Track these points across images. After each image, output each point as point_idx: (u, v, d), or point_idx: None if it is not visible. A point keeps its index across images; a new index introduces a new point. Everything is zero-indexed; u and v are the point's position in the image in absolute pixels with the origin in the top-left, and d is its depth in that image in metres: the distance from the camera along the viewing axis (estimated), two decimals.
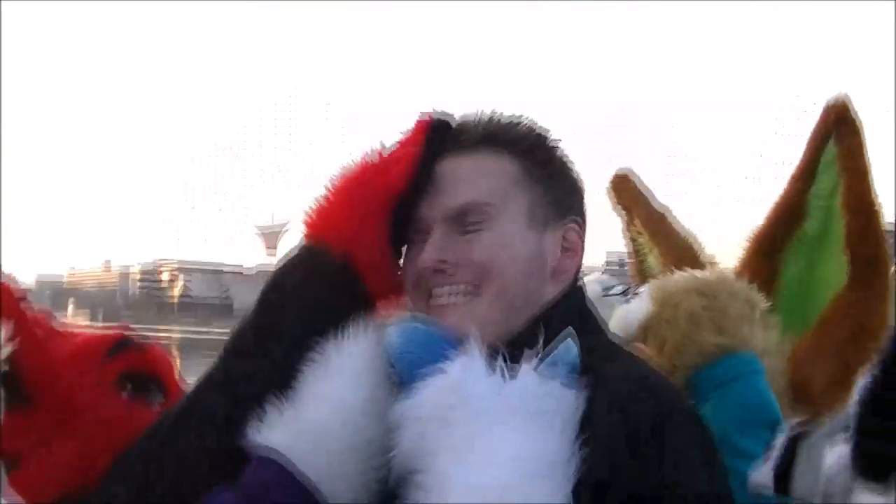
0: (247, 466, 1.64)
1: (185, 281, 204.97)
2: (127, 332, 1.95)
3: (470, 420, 1.48)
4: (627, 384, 1.61)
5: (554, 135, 1.89)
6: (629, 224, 2.17)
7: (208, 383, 1.79)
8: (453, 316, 1.71)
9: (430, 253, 1.75)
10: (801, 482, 1.49)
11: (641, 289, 2.14)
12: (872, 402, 1.03)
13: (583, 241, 1.86)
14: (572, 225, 1.84)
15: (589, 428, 1.52)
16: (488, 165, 1.80)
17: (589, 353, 1.63)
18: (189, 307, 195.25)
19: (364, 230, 1.79)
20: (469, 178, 1.79)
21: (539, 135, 1.87)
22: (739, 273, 2.09)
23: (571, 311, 1.79)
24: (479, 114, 1.86)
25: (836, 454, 1.33)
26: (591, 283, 2.70)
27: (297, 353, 1.72)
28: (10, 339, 1.35)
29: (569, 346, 1.58)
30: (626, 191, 2.08)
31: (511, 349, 1.60)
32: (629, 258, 2.18)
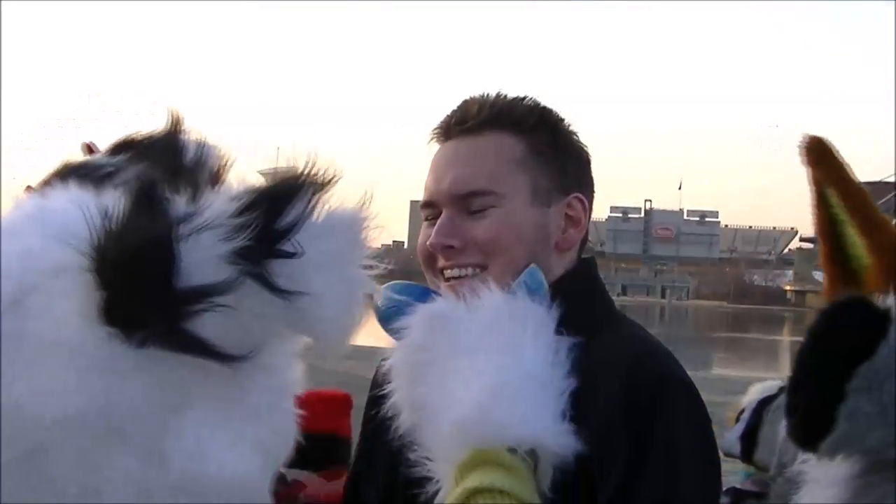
0: None
1: None
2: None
3: (447, 345, 1.49)
4: (626, 351, 1.75)
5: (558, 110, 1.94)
6: (818, 195, 1.95)
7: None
8: (464, 289, 1.73)
9: (437, 237, 1.84)
10: (763, 447, 1.46)
11: None
12: (799, 373, 1.02)
13: (587, 213, 1.92)
14: (576, 198, 1.90)
15: (585, 393, 1.54)
16: (493, 147, 1.86)
17: (592, 320, 1.73)
18: None
19: None
20: (474, 163, 1.85)
21: (543, 112, 1.92)
22: None
23: (579, 282, 1.89)
24: (484, 94, 1.92)
25: None
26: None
27: None
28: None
29: (531, 272, 1.74)
30: (824, 163, 1.87)
31: None
32: (816, 230, 1.89)
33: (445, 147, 1.91)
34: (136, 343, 0.99)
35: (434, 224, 1.87)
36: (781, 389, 1.76)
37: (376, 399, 1.62)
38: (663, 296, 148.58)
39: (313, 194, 1.06)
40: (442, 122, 1.92)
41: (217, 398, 1.05)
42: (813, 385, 0.99)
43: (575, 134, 1.95)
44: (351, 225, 1.11)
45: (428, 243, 1.86)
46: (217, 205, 1.04)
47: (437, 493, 1.40)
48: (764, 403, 1.98)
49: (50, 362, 1.00)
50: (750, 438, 2.10)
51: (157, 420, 1.01)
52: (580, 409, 1.48)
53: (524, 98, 1.93)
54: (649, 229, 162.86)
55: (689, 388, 1.76)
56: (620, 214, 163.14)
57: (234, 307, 1.00)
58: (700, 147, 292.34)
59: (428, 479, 1.43)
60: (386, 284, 1.72)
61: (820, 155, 1.65)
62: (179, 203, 1.06)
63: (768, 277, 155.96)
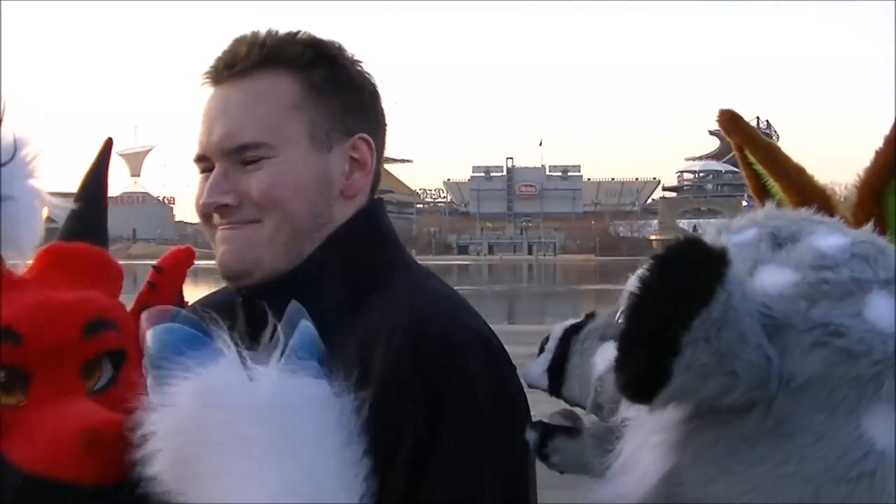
0: None
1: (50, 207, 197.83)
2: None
3: (222, 437, 1.19)
4: (412, 306, 1.63)
5: (338, 41, 1.80)
6: (741, 156, 1.97)
7: None
8: (236, 244, 1.69)
9: (209, 196, 1.70)
10: (572, 381, 1.37)
11: None
12: (630, 327, 0.92)
13: (375, 155, 1.79)
14: (361, 139, 1.76)
15: (368, 352, 1.53)
16: (265, 92, 1.71)
17: (372, 273, 1.70)
18: (55, 235, 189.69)
19: None
20: (244, 112, 1.70)
21: (319, 46, 1.77)
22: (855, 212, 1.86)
23: (364, 228, 1.77)
24: (254, 33, 1.75)
25: (606, 354, 1.27)
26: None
27: None
28: None
29: (301, 332, 1.34)
30: (738, 130, 1.92)
31: (296, 278, 1.65)
32: (747, 182, 1.98)
33: (216, 94, 1.75)
34: None
35: (207, 180, 1.72)
36: (587, 316, 1.53)
37: None
38: (530, 252, 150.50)
39: None
40: (211, 66, 1.76)
41: None
42: (645, 340, 0.91)
43: (358, 64, 1.80)
44: (22, 141, 1.36)
45: (201, 202, 1.72)
46: None
47: None
48: (570, 332, 1.82)
49: None
50: (557, 371, 1.95)
51: None
52: (363, 370, 1.44)
53: (297, 33, 1.77)
54: (512, 187, 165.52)
55: (482, 339, 1.65)
56: (483, 174, 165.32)
57: None
58: (558, 102, 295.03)
59: None
60: (160, 324, 1.33)
61: (732, 124, 1.79)
62: None
63: (633, 228, 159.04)
